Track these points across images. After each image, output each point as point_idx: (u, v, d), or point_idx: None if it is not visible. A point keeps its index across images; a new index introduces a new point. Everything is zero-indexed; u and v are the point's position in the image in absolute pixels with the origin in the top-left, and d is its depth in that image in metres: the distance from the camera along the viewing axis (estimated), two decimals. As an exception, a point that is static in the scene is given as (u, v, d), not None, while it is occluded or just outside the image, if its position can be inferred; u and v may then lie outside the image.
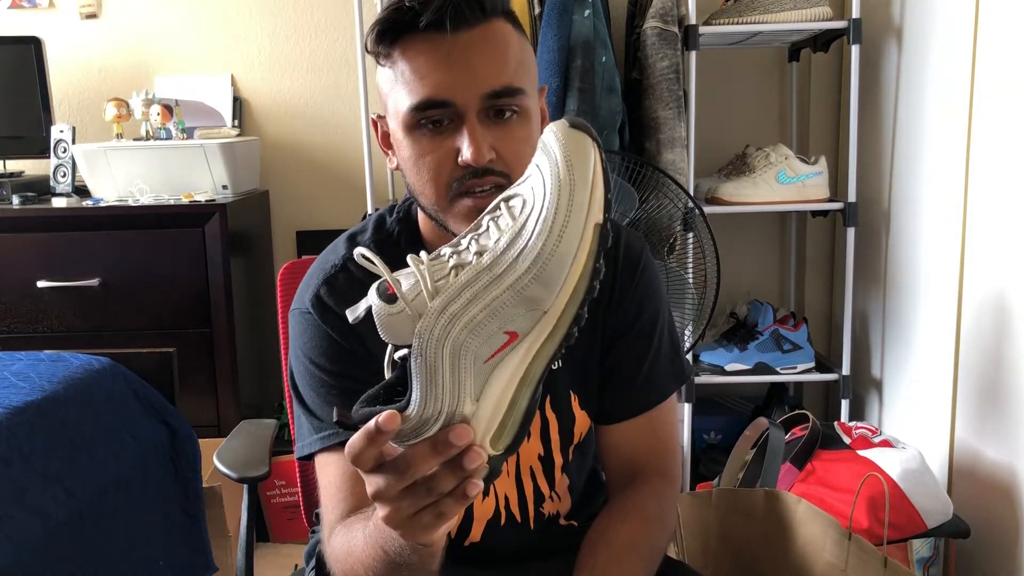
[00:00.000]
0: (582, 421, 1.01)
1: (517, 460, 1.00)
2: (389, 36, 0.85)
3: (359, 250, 0.61)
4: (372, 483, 0.60)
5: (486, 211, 0.62)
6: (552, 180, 0.58)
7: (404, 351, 0.58)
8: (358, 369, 0.91)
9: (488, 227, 0.60)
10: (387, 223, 0.99)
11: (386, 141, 0.94)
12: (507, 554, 1.02)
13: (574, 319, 0.58)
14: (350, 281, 0.93)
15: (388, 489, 0.59)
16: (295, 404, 0.95)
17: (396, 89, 0.86)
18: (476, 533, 1.00)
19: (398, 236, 0.98)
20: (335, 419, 0.60)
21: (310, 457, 0.93)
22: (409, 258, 0.59)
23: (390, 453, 0.60)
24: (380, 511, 0.62)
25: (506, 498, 1.00)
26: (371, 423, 0.57)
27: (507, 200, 0.61)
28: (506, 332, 0.56)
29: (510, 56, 0.86)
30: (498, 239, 0.58)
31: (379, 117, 0.95)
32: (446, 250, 0.60)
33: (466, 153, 0.83)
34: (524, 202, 0.58)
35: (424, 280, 0.57)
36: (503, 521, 1.00)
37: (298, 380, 0.95)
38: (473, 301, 0.56)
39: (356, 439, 0.58)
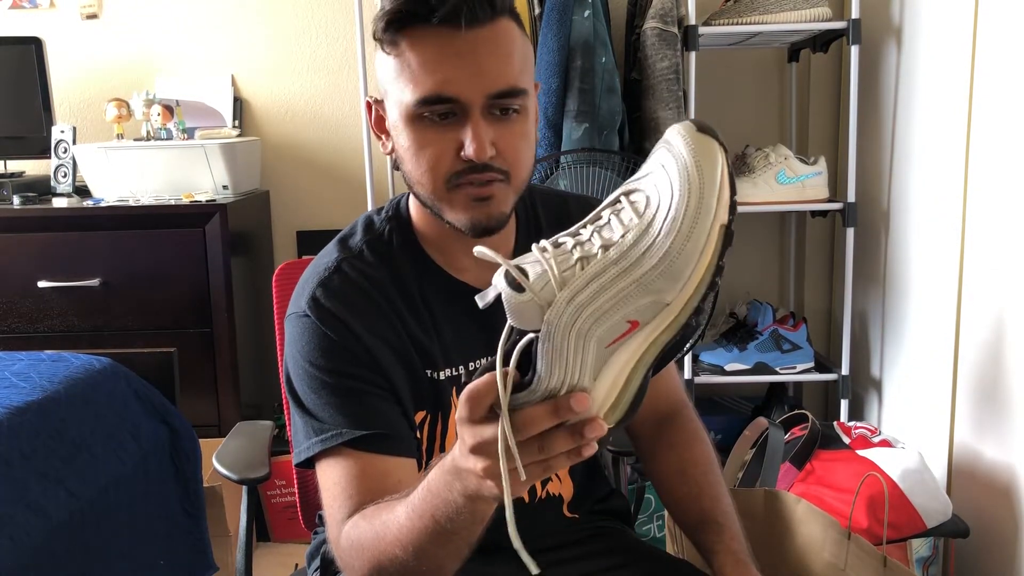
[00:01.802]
0: None
1: None
2: (398, 25, 0.86)
3: (478, 248, 0.63)
4: (477, 434, 0.63)
5: (605, 203, 0.64)
6: (681, 181, 0.60)
7: (531, 336, 0.60)
8: (358, 368, 0.91)
9: (609, 220, 0.62)
10: (376, 223, 1.00)
11: (380, 125, 0.95)
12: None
13: (695, 311, 0.61)
14: (345, 282, 0.94)
15: (495, 442, 0.62)
16: (293, 410, 0.95)
17: (401, 79, 0.87)
18: None
19: (389, 234, 0.99)
20: (464, 379, 0.63)
21: (310, 463, 0.93)
22: (534, 247, 0.62)
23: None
24: (480, 463, 0.64)
25: None
26: (497, 376, 0.61)
27: (628, 194, 0.63)
28: (628, 321, 0.60)
29: (515, 56, 0.87)
30: (624, 234, 0.60)
31: (375, 101, 0.96)
32: (566, 240, 0.62)
33: (469, 149, 0.85)
34: (648, 199, 0.61)
35: (552, 271, 0.59)
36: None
37: (296, 384, 0.95)
38: (600, 293, 0.59)
39: (481, 384, 0.62)
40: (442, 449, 0.99)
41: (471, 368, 0.98)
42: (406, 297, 0.95)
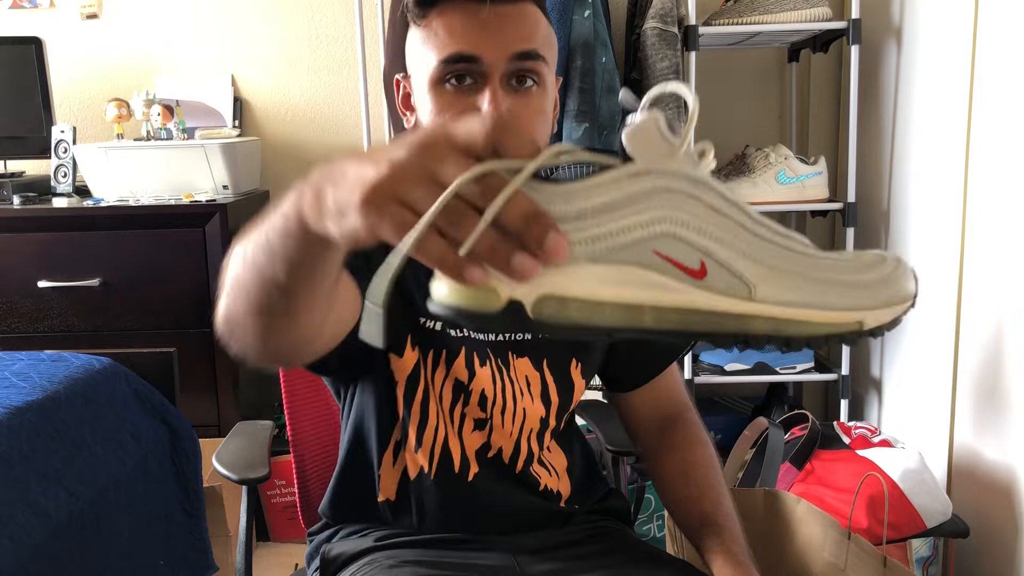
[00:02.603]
0: (579, 389, 1.06)
1: (523, 422, 1.02)
2: (429, 1, 0.89)
3: (624, 92, 0.56)
4: (433, 152, 0.45)
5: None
6: (895, 259, 0.52)
7: (630, 167, 0.46)
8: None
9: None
10: None
11: (406, 103, 0.98)
12: (509, 505, 1.03)
13: (760, 338, 0.49)
14: None
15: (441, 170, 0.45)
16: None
17: (426, 46, 0.90)
18: (473, 464, 1.02)
19: None
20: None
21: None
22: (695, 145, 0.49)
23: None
24: (396, 181, 0.45)
25: (499, 448, 1.03)
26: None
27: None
28: (703, 260, 0.47)
29: (538, 31, 0.91)
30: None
31: (403, 76, 0.98)
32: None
33: (485, 110, 0.87)
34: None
35: (705, 159, 0.48)
36: (491, 453, 1.02)
37: None
38: (720, 207, 0.47)
39: (509, 123, 0.45)
40: (440, 397, 1.00)
41: (464, 335, 0.99)
42: (415, 272, 0.95)
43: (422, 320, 0.98)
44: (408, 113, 0.98)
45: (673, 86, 0.49)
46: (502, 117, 0.45)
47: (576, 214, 0.45)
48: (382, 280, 0.47)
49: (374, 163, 0.46)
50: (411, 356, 0.98)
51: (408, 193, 0.45)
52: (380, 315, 0.47)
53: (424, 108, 0.92)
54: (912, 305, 0.52)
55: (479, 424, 1.01)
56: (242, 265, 0.62)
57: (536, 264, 0.44)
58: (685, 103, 2.09)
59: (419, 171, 0.45)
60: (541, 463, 1.06)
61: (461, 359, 0.99)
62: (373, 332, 0.49)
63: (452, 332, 0.98)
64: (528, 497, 1.05)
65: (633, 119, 0.47)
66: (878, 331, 0.50)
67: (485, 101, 0.87)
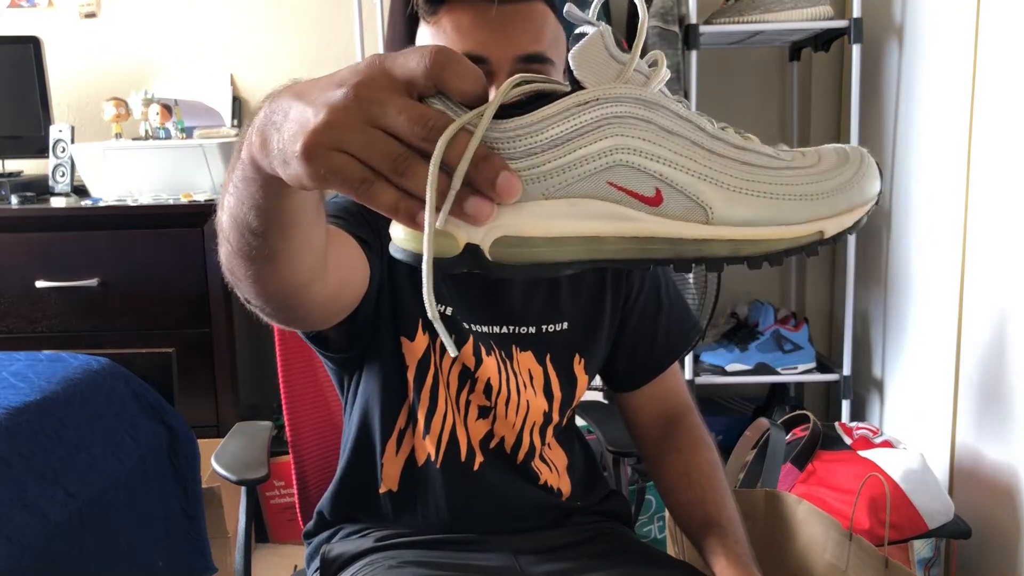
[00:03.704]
0: (582, 385, 1.06)
1: (526, 414, 1.02)
2: None
3: (568, 6, 0.50)
4: (376, 93, 0.44)
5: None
6: (852, 152, 0.51)
7: (578, 96, 0.45)
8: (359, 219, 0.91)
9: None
10: None
11: None
12: (510, 497, 1.03)
13: (720, 261, 0.47)
14: None
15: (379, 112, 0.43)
16: None
17: (435, 43, 0.89)
18: (479, 455, 1.02)
19: None
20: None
21: None
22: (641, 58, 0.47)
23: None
24: (336, 122, 0.44)
25: (502, 438, 1.03)
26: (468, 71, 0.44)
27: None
28: (658, 187, 0.45)
29: (547, 32, 0.91)
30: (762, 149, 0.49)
31: None
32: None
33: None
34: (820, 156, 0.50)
35: (655, 77, 0.46)
36: (494, 443, 1.02)
37: None
38: (676, 129, 0.46)
39: (451, 54, 0.43)
40: (448, 383, 1.00)
41: (470, 328, 0.99)
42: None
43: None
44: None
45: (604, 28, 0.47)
46: (442, 50, 0.42)
47: (525, 150, 0.44)
48: (427, 293, 0.45)
49: (313, 106, 0.44)
50: (422, 340, 0.98)
51: (348, 141, 0.43)
52: (438, 323, 0.46)
53: None
54: (876, 204, 0.51)
55: (483, 412, 1.01)
56: (221, 211, 0.61)
57: (491, 206, 0.43)
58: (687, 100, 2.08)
59: (359, 115, 0.43)
60: (543, 459, 1.06)
61: (469, 345, 0.98)
62: (448, 346, 0.48)
63: (460, 320, 0.98)
64: (530, 490, 1.04)
65: (580, 41, 0.46)
66: (840, 236, 0.49)
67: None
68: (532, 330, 1.02)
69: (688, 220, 0.46)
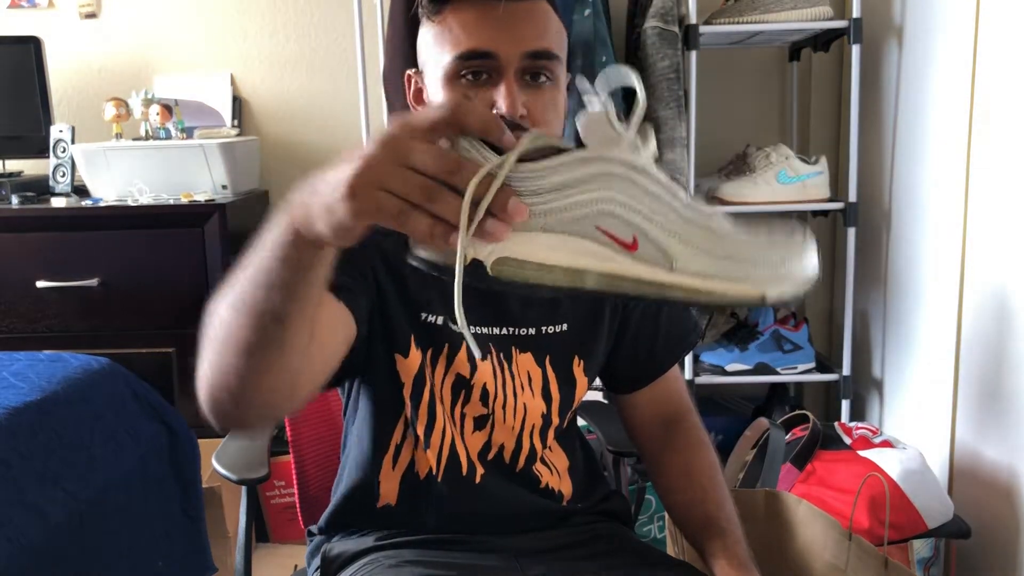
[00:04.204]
0: (582, 387, 1.06)
1: (524, 417, 1.02)
2: None
3: (580, 80, 0.59)
4: (409, 141, 0.52)
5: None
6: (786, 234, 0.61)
7: (581, 153, 0.55)
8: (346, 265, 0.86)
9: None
10: None
11: (418, 98, 0.98)
12: (511, 506, 1.03)
13: (678, 304, 0.59)
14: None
15: (424, 158, 0.52)
16: None
17: (441, 43, 0.90)
18: (479, 467, 1.01)
19: None
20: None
21: None
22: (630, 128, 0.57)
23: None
24: (373, 170, 0.53)
25: (501, 445, 1.02)
26: (496, 116, 0.54)
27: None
28: (635, 236, 0.55)
29: (551, 28, 0.91)
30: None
31: (415, 72, 0.98)
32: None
33: (501, 105, 0.87)
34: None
35: (647, 150, 0.57)
36: (491, 454, 1.02)
37: None
38: (655, 192, 0.56)
39: (467, 104, 0.53)
40: (442, 397, 1.00)
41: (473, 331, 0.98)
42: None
43: (423, 316, 0.97)
44: (420, 108, 0.98)
45: (624, 72, 0.58)
46: (457, 100, 0.52)
47: (532, 190, 0.53)
48: (457, 303, 0.54)
49: (349, 163, 0.53)
50: (415, 355, 0.98)
51: (387, 180, 0.51)
52: (467, 332, 0.55)
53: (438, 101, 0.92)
54: (812, 283, 0.59)
55: (480, 423, 1.01)
56: (227, 314, 0.66)
57: (505, 228, 0.52)
58: (686, 102, 2.09)
59: (393, 158, 0.52)
60: (544, 462, 1.06)
61: (463, 352, 0.98)
62: (474, 350, 0.59)
63: (453, 327, 0.98)
64: (530, 497, 1.04)
65: (588, 109, 0.56)
66: (780, 303, 0.58)
67: (501, 95, 0.87)
68: (532, 331, 1.02)
69: (656, 266, 0.56)
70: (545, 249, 0.54)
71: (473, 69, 0.89)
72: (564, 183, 0.54)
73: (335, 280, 0.84)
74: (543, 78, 0.90)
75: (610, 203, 0.55)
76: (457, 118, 0.52)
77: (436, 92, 0.92)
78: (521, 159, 0.54)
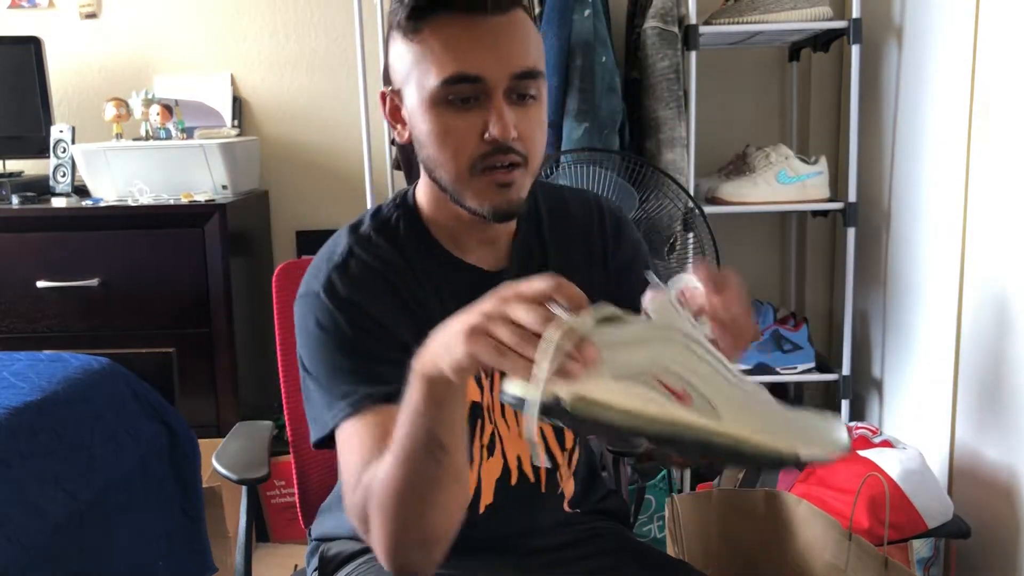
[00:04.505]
0: None
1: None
2: (421, 12, 0.87)
3: (649, 275, 0.73)
4: (514, 307, 0.66)
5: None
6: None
7: (648, 321, 0.69)
8: (373, 338, 0.91)
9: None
10: (384, 211, 1.01)
11: (395, 115, 0.96)
12: (521, 526, 1.02)
13: (722, 453, 0.67)
14: (359, 265, 0.95)
15: (529, 319, 0.65)
16: (310, 387, 0.94)
17: (422, 64, 0.88)
18: (488, 494, 1.01)
19: (396, 220, 0.99)
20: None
21: (328, 441, 0.91)
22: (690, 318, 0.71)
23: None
24: (491, 326, 0.67)
25: (518, 459, 1.01)
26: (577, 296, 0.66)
27: None
28: (686, 389, 0.67)
29: (532, 42, 0.90)
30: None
31: (391, 91, 0.96)
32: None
33: (494, 129, 0.86)
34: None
35: (698, 325, 0.71)
36: (513, 480, 1.01)
37: (311, 361, 0.93)
38: (705, 354, 0.69)
39: (565, 284, 0.67)
40: None
41: None
42: (415, 277, 0.96)
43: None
44: (400, 126, 0.96)
45: (687, 278, 0.73)
46: (559, 281, 0.66)
47: (608, 345, 0.66)
48: (531, 419, 0.65)
49: (468, 313, 0.68)
50: None
51: (495, 329, 0.66)
52: (538, 448, 0.69)
53: (424, 126, 0.90)
54: (843, 451, 0.69)
55: (491, 448, 1.00)
56: (397, 471, 0.78)
57: (581, 368, 0.64)
58: (686, 102, 2.09)
59: (500, 313, 0.66)
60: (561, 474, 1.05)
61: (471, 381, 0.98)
62: (539, 461, 0.74)
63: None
64: (539, 513, 1.04)
65: (654, 292, 0.71)
66: (811, 462, 0.68)
67: (492, 120, 0.86)
68: None
69: (702, 415, 0.66)
70: (612, 392, 0.66)
71: (460, 94, 0.87)
72: (632, 340, 0.67)
73: (390, 391, 0.87)
74: (529, 97, 0.89)
75: (668, 361, 0.67)
76: (555, 294, 0.66)
77: (419, 115, 0.90)
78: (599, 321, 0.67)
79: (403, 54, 0.90)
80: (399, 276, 0.95)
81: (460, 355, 0.68)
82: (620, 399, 0.65)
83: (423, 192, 0.99)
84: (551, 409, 0.65)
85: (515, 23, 0.88)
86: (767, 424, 0.67)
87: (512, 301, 0.66)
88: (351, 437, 0.88)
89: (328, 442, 0.91)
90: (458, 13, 0.86)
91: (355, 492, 0.84)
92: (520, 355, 0.65)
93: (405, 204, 1.01)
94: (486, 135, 0.87)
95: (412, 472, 0.77)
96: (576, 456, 1.07)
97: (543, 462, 0.73)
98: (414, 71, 0.89)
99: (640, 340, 0.67)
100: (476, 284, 0.96)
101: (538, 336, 0.64)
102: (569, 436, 1.05)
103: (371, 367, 0.90)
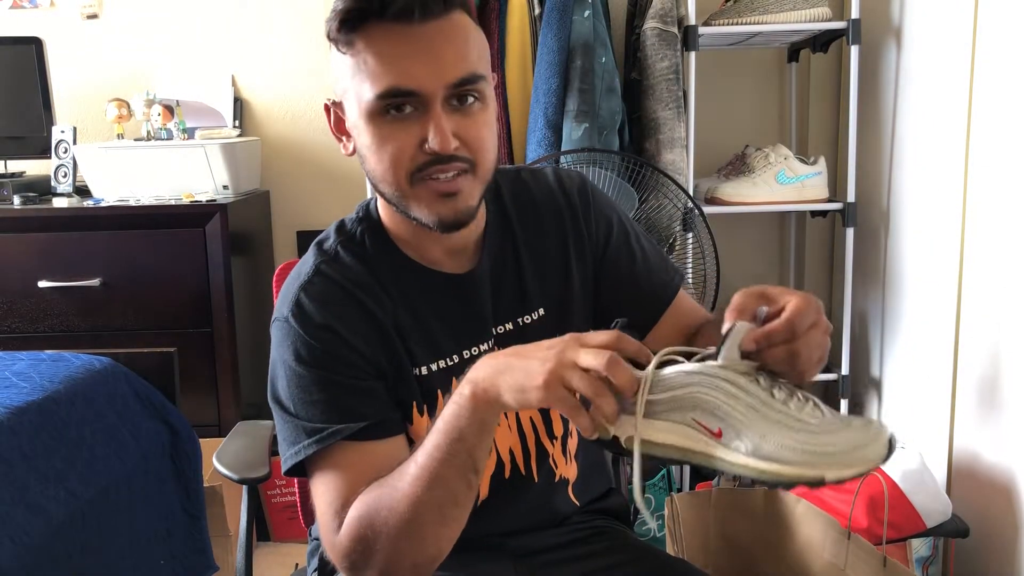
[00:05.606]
0: None
1: (518, 421, 1.02)
2: (351, 23, 0.85)
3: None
4: (598, 354, 0.72)
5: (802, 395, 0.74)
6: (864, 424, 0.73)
7: (689, 367, 0.75)
8: (344, 365, 0.91)
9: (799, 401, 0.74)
10: (347, 225, 1.00)
11: (339, 127, 0.95)
12: (517, 521, 1.03)
13: (748, 480, 0.76)
14: (326, 285, 0.94)
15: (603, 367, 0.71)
16: (278, 416, 0.94)
17: (358, 77, 0.86)
18: (483, 489, 1.01)
19: (361, 235, 0.98)
20: (616, 324, 0.76)
21: (301, 469, 0.90)
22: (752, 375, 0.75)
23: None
24: (568, 372, 0.72)
25: (510, 451, 1.01)
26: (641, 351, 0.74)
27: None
28: (719, 427, 0.73)
29: (471, 46, 0.87)
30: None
31: (333, 103, 0.95)
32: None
33: (432, 142, 0.84)
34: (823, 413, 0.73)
35: (762, 380, 0.74)
36: (507, 473, 1.01)
37: (282, 389, 0.94)
38: (742, 394, 0.73)
39: (627, 338, 0.74)
40: None
41: (471, 354, 0.98)
42: (386, 293, 0.95)
43: (415, 372, 0.96)
44: (345, 139, 0.94)
45: (742, 326, 0.75)
46: (620, 335, 0.73)
47: (662, 387, 0.74)
48: (636, 482, 0.74)
49: (541, 359, 0.74)
50: (420, 421, 0.96)
51: (569, 378, 0.72)
52: (644, 508, 0.77)
53: (364, 139, 0.88)
54: (881, 463, 0.71)
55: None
56: (426, 495, 0.80)
57: (630, 416, 0.73)
58: (685, 102, 2.09)
59: (573, 362, 0.72)
60: (556, 463, 1.05)
61: (454, 382, 0.98)
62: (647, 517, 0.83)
63: (435, 368, 0.97)
64: (538, 510, 1.04)
65: (732, 336, 0.75)
66: (840, 481, 0.69)
67: (430, 132, 0.84)
68: (510, 327, 1.00)
69: (732, 451, 0.72)
70: (657, 431, 0.74)
71: (396, 105, 0.85)
72: (678, 385, 0.73)
73: (378, 421, 0.90)
74: (471, 99, 0.87)
75: (704, 401, 0.73)
76: (618, 345, 0.72)
77: (359, 127, 0.88)
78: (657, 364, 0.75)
79: (340, 65, 0.89)
80: (369, 294, 0.94)
81: (536, 399, 0.73)
82: (662, 436, 0.74)
83: (382, 204, 0.98)
84: (608, 445, 0.75)
85: (450, 28, 0.85)
86: (797, 454, 0.69)
87: (582, 351, 0.72)
88: (321, 471, 0.88)
89: (298, 470, 0.91)
90: (388, 22, 0.83)
91: (339, 529, 0.84)
92: (593, 411, 0.72)
93: (368, 217, 0.99)
94: (425, 146, 0.85)
95: (442, 494, 0.79)
96: (572, 442, 1.06)
97: (652, 523, 0.81)
98: (351, 83, 0.87)
99: (682, 384, 0.73)
100: (446, 288, 0.95)
101: (605, 381, 0.71)
102: (558, 425, 1.04)
103: (339, 396, 0.90)
